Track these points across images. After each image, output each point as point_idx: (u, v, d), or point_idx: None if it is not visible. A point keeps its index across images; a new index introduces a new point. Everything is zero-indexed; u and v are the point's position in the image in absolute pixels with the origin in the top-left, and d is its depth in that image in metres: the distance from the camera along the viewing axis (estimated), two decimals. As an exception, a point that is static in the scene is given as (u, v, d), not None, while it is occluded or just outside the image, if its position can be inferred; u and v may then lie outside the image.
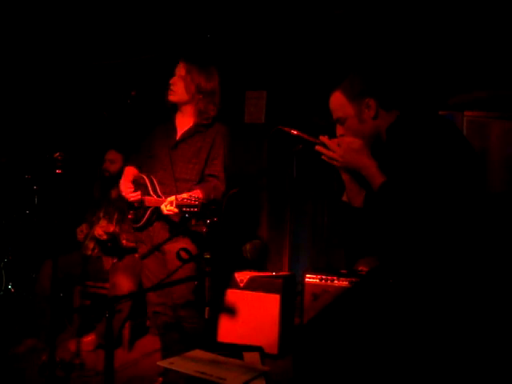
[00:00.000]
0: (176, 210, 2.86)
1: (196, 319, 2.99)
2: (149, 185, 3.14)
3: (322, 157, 2.14)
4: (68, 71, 5.32)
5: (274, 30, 4.68)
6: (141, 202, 3.16)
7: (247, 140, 4.74)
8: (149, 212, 3.14)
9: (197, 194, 2.96)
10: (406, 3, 4.18)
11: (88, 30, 4.95)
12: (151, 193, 3.14)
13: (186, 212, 2.79)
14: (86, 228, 4.14)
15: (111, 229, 3.88)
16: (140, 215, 3.20)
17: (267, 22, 4.65)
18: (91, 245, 4.07)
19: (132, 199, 3.18)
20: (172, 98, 3.18)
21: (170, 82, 3.16)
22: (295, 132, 2.40)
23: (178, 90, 3.15)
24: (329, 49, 4.58)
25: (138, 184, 3.21)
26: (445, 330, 1.90)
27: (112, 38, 5.03)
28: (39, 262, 4.00)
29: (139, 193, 3.17)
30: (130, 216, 3.25)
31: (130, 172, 3.25)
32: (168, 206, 2.91)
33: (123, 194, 3.19)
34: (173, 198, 2.90)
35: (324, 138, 2.14)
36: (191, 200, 2.76)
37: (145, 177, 3.20)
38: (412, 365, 1.91)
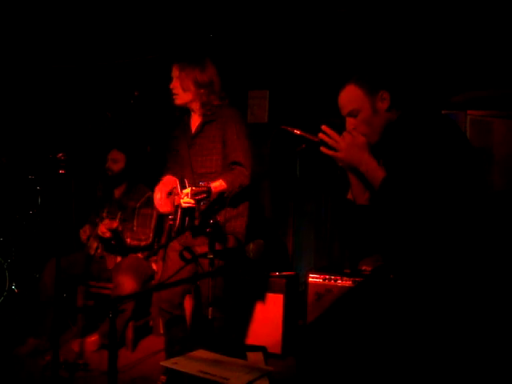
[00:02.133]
0: (192, 201, 2.83)
1: (223, 319, 2.98)
2: (178, 185, 3.12)
3: (321, 148, 2.13)
4: (71, 71, 5.32)
5: (276, 28, 4.68)
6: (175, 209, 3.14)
7: (250, 140, 4.73)
8: (179, 212, 3.11)
9: (219, 183, 2.93)
10: (407, 2, 4.18)
11: (91, 30, 4.96)
12: (179, 192, 3.12)
13: (199, 200, 2.79)
14: (89, 229, 4.15)
15: (114, 225, 3.87)
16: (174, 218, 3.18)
17: (269, 21, 4.64)
18: (94, 244, 4.08)
19: (163, 210, 3.15)
20: (177, 101, 3.16)
21: (170, 87, 3.15)
22: (298, 132, 2.39)
23: (179, 91, 3.13)
24: (331, 47, 4.58)
25: (172, 190, 3.20)
26: (449, 331, 1.90)
27: (115, 38, 5.04)
28: (42, 263, 4.01)
29: (169, 203, 3.13)
30: (170, 222, 3.21)
31: (168, 183, 3.18)
32: (185, 199, 2.89)
33: (156, 205, 3.15)
34: (188, 189, 2.88)
35: (327, 128, 2.13)
36: (200, 187, 2.76)
37: (177, 179, 3.18)
38: (415, 365, 1.91)
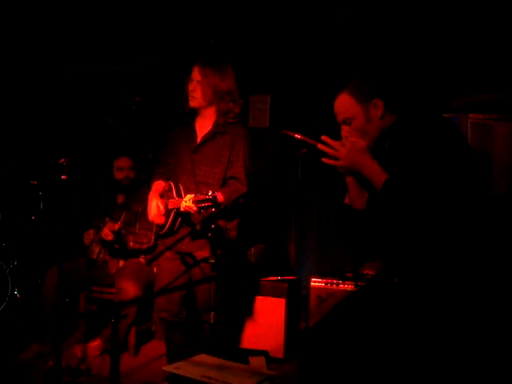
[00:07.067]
0: (193, 206, 2.85)
1: (219, 324, 2.98)
2: (174, 189, 3.14)
3: (323, 159, 2.14)
4: (73, 77, 5.34)
5: (277, 34, 4.69)
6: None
7: (251, 144, 4.73)
8: (172, 215, 3.13)
9: (218, 196, 2.95)
10: (409, 7, 4.19)
11: (92, 36, 4.97)
12: (175, 196, 3.14)
13: (201, 208, 2.79)
14: (92, 233, 4.15)
15: (116, 227, 3.88)
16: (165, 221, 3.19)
17: (271, 26, 4.66)
18: (97, 249, 4.08)
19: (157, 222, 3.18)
20: (193, 103, 3.17)
21: (190, 88, 3.15)
22: (299, 136, 2.41)
23: (198, 95, 3.14)
24: (333, 52, 4.59)
25: (164, 192, 3.21)
26: (451, 334, 1.90)
27: (117, 44, 5.05)
28: (45, 268, 4.01)
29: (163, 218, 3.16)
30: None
31: (159, 188, 3.22)
32: (186, 203, 2.91)
33: (150, 217, 3.18)
34: (192, 195, 2.90)
35: (326, 138, 2.15)
36: (206, 195, 2.76)
37: (171, 183, 3.19)
38: (417, 369, 1.91)
